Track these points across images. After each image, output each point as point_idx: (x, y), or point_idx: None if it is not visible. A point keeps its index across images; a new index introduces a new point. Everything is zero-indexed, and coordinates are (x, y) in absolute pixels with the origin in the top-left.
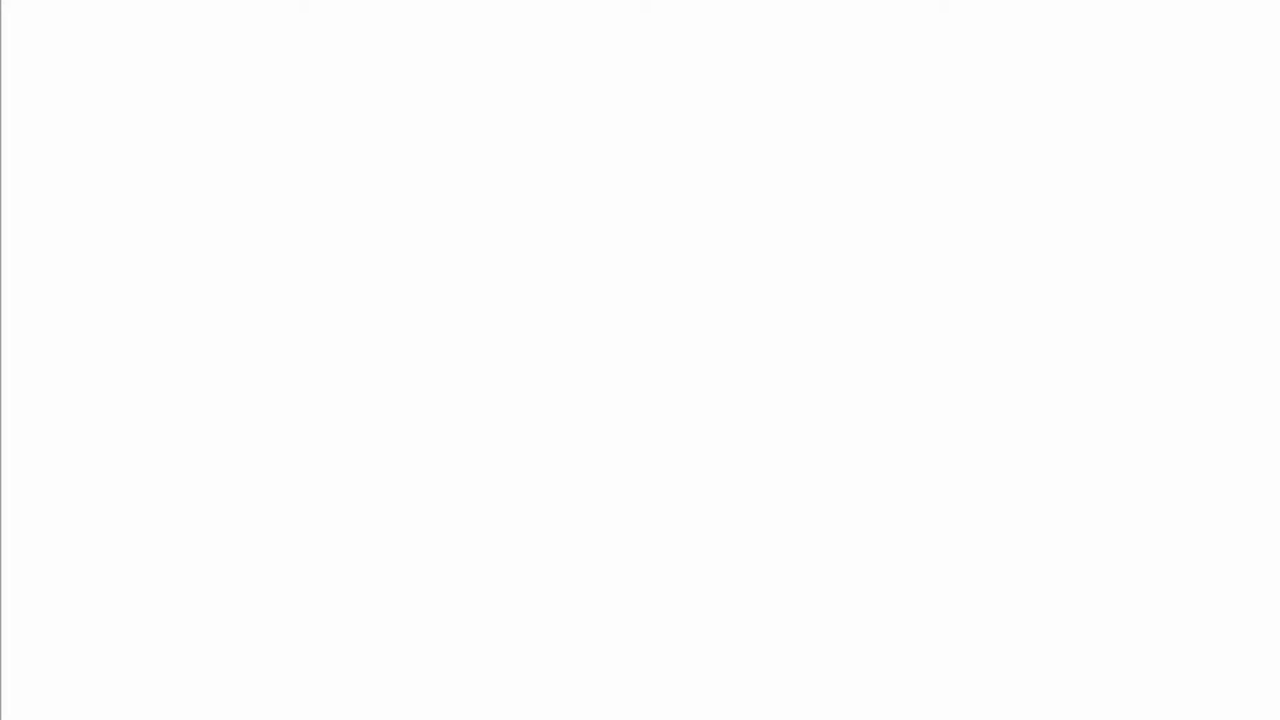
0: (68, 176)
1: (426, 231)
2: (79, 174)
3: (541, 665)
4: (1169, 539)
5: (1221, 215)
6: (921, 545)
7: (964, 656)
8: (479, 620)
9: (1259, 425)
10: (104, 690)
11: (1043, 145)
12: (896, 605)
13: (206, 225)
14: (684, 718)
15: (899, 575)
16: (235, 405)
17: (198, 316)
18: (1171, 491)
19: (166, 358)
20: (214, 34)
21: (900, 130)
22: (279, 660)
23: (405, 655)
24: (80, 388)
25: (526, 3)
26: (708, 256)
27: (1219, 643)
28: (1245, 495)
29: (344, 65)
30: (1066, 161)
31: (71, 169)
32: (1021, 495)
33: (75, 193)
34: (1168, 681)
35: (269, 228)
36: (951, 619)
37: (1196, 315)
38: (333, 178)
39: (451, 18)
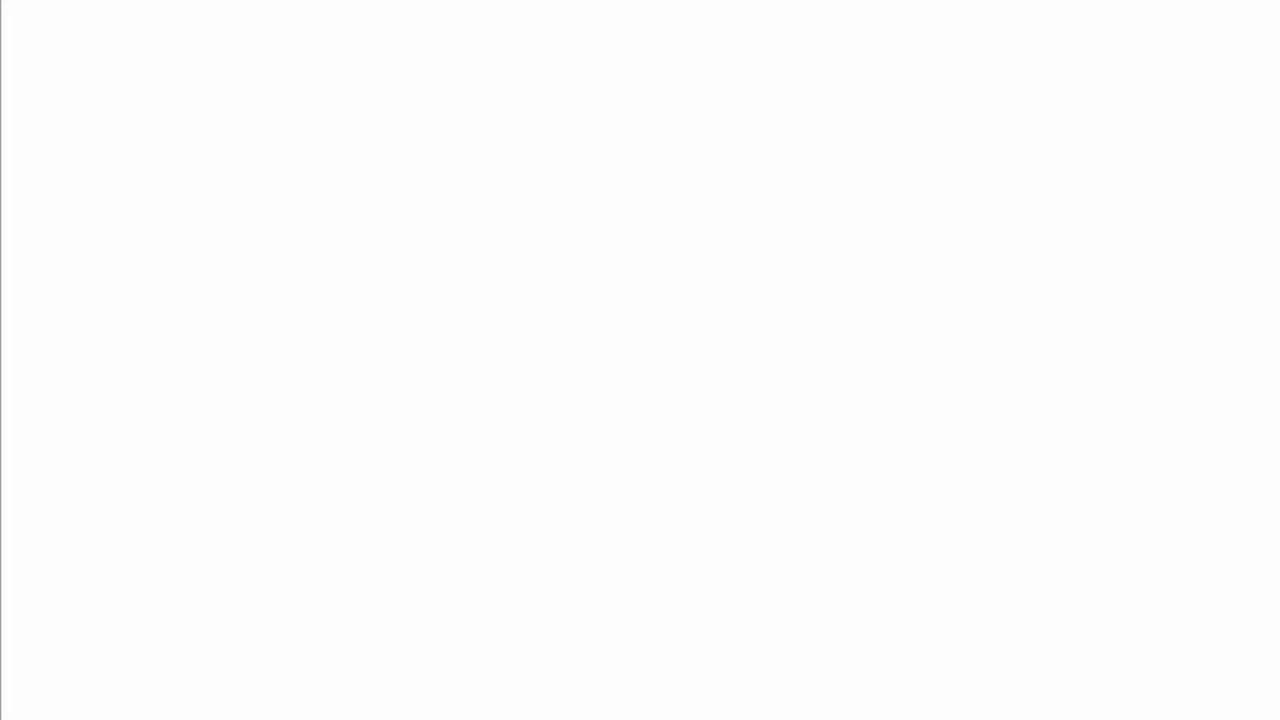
0: (68, 176)
1: (426, 231)
2: (79, 174)
3: (541, 665)
4: (1169, 539)
5: (1222, 215)
6: (921, 545)
7: (964, 657)
8: (479, 620)
9: (1259, 425)
10: (104, 690)
11: (1043, 145)
12: (896, 605)
13: (207, 225)
14: (684, 718)
15: (899, 575)
16: (235, 405)
17: (198, 316)
18: (1171, 492)
19: (167, 358)
20: (214, 34)
21: (900, 130)
22: (279, 660)
23: (405, 655)
24: (80, 388)
25: (526, 3)
26: (708, 256)
27: (1219, 643)
28: (1245, 495)
29: (344, 65)
30: (1066, 161)
31: (71, 169)
32: (1021, 495)
33: (75, 193)
34: (1168, 682)
35: (269, 227)
36: (951, 619)
37: (1196, 315)
38: (333, 177)
39: (451, 18)
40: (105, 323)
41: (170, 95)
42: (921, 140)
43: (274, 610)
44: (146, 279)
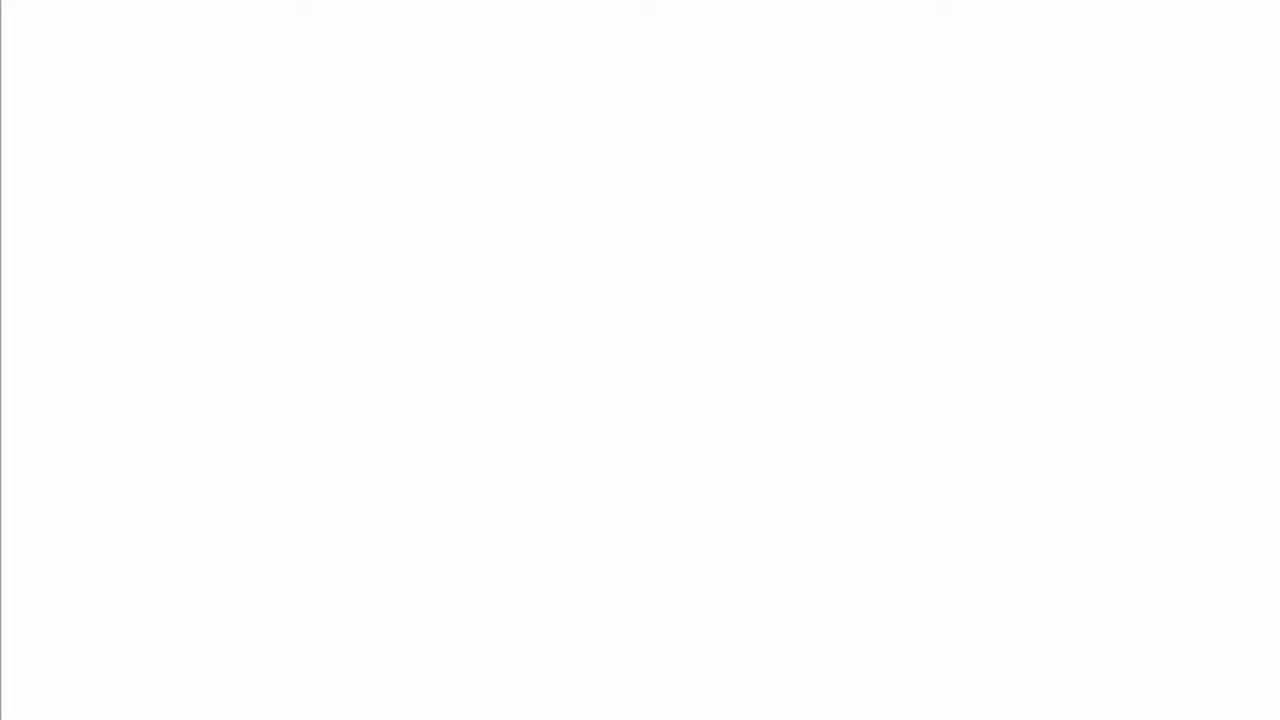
0: (68, 176)
1: (426, 231)
2: (79, 174)
3: (541, 665)
4: (1169, 539)
5: (1221, 215)
6: (921, 545)
7: (964, 657)
8: (479, 620)
9: (1259, 425)
10: (104, 690)
11: (1043, 145)
12: (896, 605)
13: (207, 225)
14: (684, 717)
15: (899, 575)
16: (235, 405)
17: (198, 316)
18: (1171, 492)
19: (167, 358)
20: (214, 34)
21: (900, 130)
22: (279, 660)
23: (405, 655)
24: (80, 388)
25: (526, 3)
26: (708, 256)
27: (1219, 643)
28: (1245, 495)
29: (344, 65)
30: (1066, 161)
31: (71, 169)
32: (1021, 495)
33: (75, 193)
34: (1168, 682)
35: (269, 228)
36: (951, 619)
37: (1196, 315)
38: (333, 178)
39: (451, 18)
40: (105, 323)
41: (170, 95)
42: (921, 140)
43: (274, 610)
44: (147, 279)
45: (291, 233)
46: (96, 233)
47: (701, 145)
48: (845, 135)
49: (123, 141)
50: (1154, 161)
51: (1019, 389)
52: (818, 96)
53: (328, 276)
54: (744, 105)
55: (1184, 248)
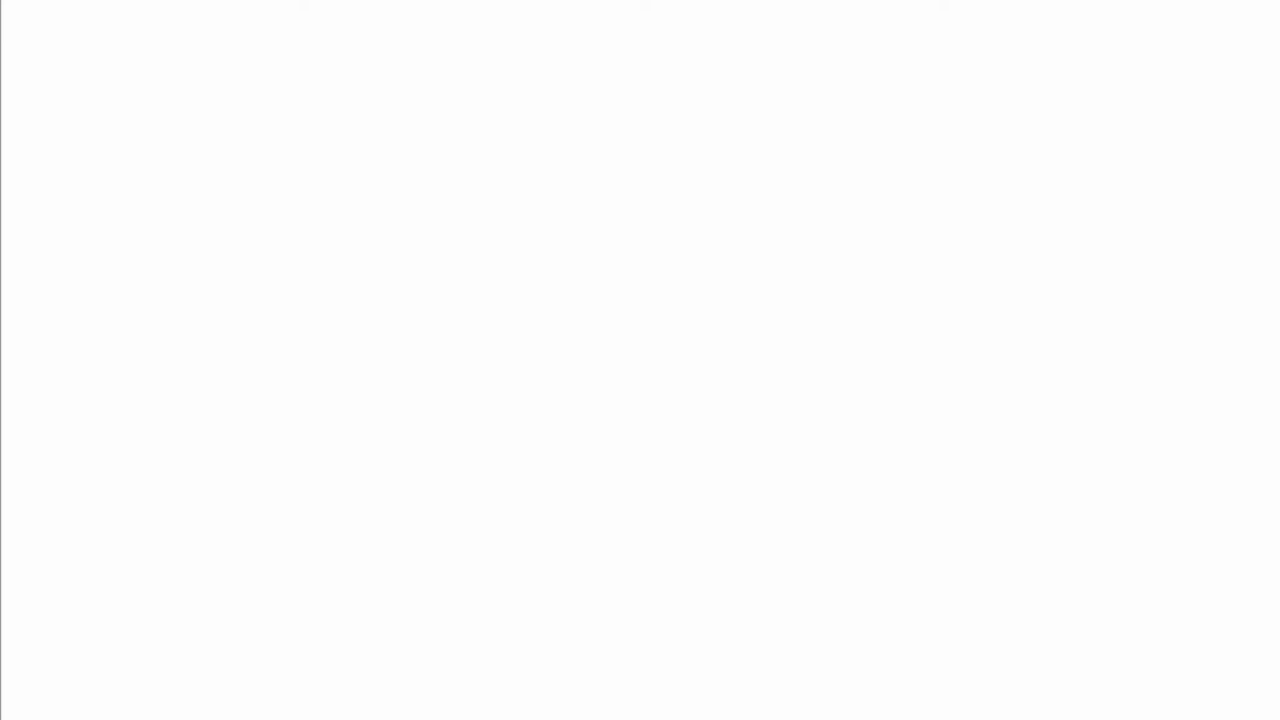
0: (68, 176)
1: (426, 231)
2: (79, 174)
3: (541, 665)
4: (1169, 539)
5: (1221, 215)
6: (921, 545)
7: (964, 657)
8: (479, 620)
9: (1259, 425)
10: (104, 690)
11: (1043, 145)
12: (896, 605)
13: (206, 225)
14: (684, 717)
15: (899, 575)
16: (235, 405)
17: (198, 316)
18: (1171, 492)
19: (167, 358)
20: (214, 34)
21: (900, 130)
22: (279, 660)
23: (405, 655)
24: (80, 388)
25: (526, 3)
26: (708, 256)
27: (1219, 643)
28: (1245, 495)
29: (344, 65)
30: (1067, 161)
31: (71, 169)
32: (1022, 495)
33: (75, 193)
34: (1168, 682)
35: (269, 227)
36: (951, 619)
37: (1196, 315)
38: (333, 178)
39: (451, 18)
40: (105, 323)
41: (170, 95)
42: (921, 140)
43: (274, 610)
44: (147, 279)
45: (291, 232)
46: (96, 232)
47: (701, 145)
48: (845, 134)
49: (122, 141)
50: (1153, 160)
51: (1018, 388)
52: (817, 96)
53: (327, 275)
54: (743, 105)
55: (1183, 247)
